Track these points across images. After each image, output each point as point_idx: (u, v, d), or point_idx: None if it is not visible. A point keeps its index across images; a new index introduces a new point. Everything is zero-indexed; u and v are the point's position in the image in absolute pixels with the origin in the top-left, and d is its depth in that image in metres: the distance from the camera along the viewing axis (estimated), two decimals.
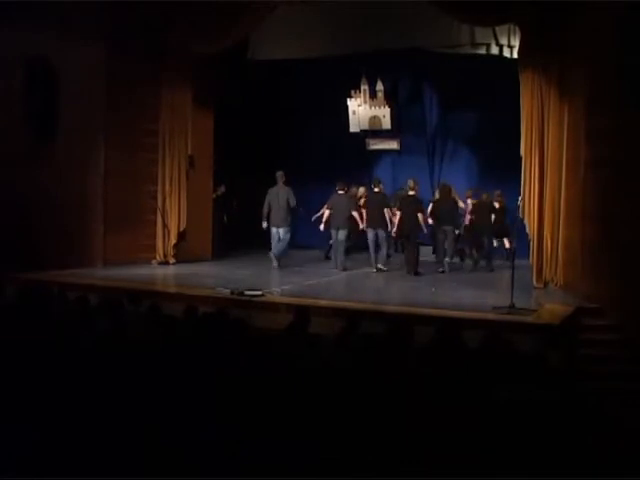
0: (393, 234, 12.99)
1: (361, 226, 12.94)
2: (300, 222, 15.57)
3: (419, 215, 12.30)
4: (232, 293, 9.07)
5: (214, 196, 14.04)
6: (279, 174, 12.79)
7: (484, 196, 13.51)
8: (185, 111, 12.81)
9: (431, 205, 13.13)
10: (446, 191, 13.08)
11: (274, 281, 10.75)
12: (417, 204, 12.40)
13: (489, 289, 10.29)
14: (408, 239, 12.52)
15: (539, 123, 10.33)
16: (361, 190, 14.25)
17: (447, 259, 12.68)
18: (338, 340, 5.26)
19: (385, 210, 12.56)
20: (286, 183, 12.71)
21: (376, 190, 12.80)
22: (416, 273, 12.07)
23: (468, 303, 8.95)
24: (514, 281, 8.52)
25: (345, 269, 12.34)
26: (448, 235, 12.83)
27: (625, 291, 8.11)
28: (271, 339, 5.23)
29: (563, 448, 3.49)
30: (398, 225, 12.59)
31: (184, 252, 12.93)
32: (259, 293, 9.08)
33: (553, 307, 8.63)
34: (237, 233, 15.03)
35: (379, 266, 12.44)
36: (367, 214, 12.83)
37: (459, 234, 13.65)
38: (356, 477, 3.59)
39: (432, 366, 4.41)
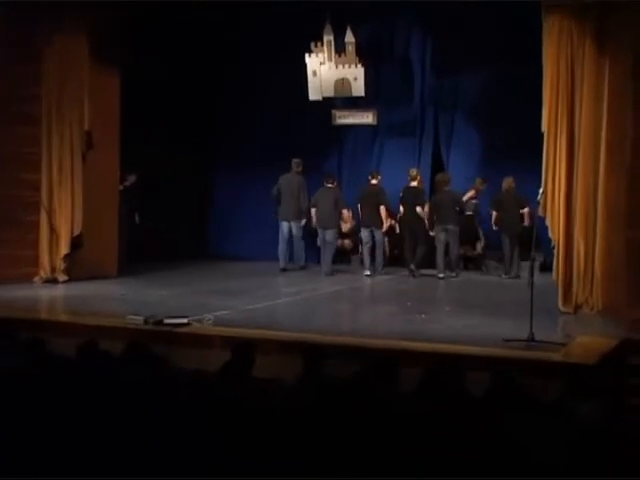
0: (391, 227, 14.71)
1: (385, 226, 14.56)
2: (243, 227, 15.72)
3: (418, 209, 13.96)
4: (147, 322, 9.06)
5: (121, 188, 13.98)
6: (295, 161, 14.55)
7: (507, 182, 13.85)
8: (80, 70, 12.75)
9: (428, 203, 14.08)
10: (445, 181, 14.14)
11: (206, 304, 10.67)
12: (418, 197, 14.04)
13: (499, 314, 10.32)
14: (411, 235, 13.98)
15: (568, 88, 10.42)
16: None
17: (451, 273, 13.79)
18: (293, 387, 5.28)
19: (381, 207, 14.09)
20: (301, 172, 14.51)
21: (373, 182, 14.37)
22: (419, 274, 13.91)
23: (470, 334, 8.98)
24: (533, 303, 8.55)
25: (332, 274, 14.12)
26: (450, 236, 13.76)
27: None
28: (200, 385, 5.19)
29: None
30: (400, 219, 14.27)
31: (79, 266, 12.86)
32: (184, 322, 9.09)
33: (588, 340, 8.68)
34: (154, 239, 14.99)
35: (374, 273, 14.00)
36: (361, 211, 14.47)
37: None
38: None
39: (421, 422, 4.41)
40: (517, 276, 13.72)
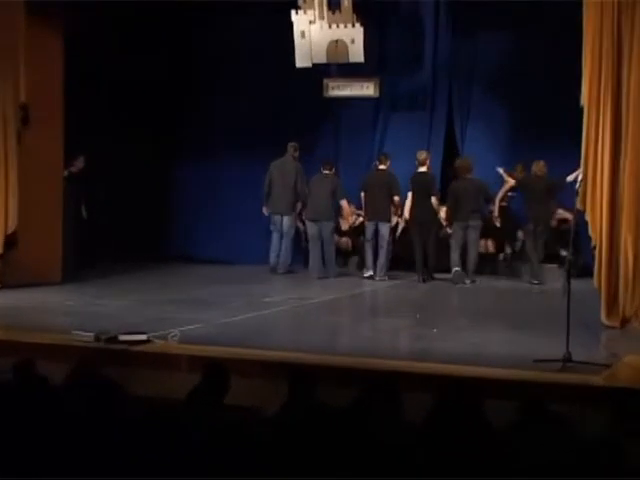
0: (403, 222, 15.02)
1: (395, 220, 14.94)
2: (216, 224, 15.75)
3: (433, 199, 14.27)
4: (97, 339, 9.06)
5: (66, 174, 14.00)
6: (292, 145, 14.83)
7: (536, 166, 14.00)
8: (13, 30, 12.74)
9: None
10: (467, 168, 14.36)
11: (170, 317, 10.68)
12: (429, 185, 14.24)
13: (527, 329, 10.34)
14: (421, 232, 14.18)
15: (614, 54, 10.38)
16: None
17: (467, 281, 14.00)
18: (276, 418, 5.27)
19: (395, 198, 14.47)
20: (298, 159, 14.84)
21: (381, 167, 14.67)
22: (431, 278, 14.14)
23: (493, 353, 9.02)
24: (570, 316, 8.54)
25: (320, 277, 14.52)
26: (472, 234, 14.04)
27: None
28: (163, 415, 5.19)
29: None
30: (410, 212, 14.43)
31: (14, 270, 12.87)
32: (143, 338, 9.10)
33: (637, 360, 8.68)
34: (107, 238, 15.03)
35: (376, 275, 14.32)
36: (365, 201, 14.79)
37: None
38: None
39: (430, 462, 4.41)
40: (541, 281, 13.90)
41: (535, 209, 14.14)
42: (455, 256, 14.21)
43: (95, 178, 14.87)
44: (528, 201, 14.29)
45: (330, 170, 14.94)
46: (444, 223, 14.90)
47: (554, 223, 14.24)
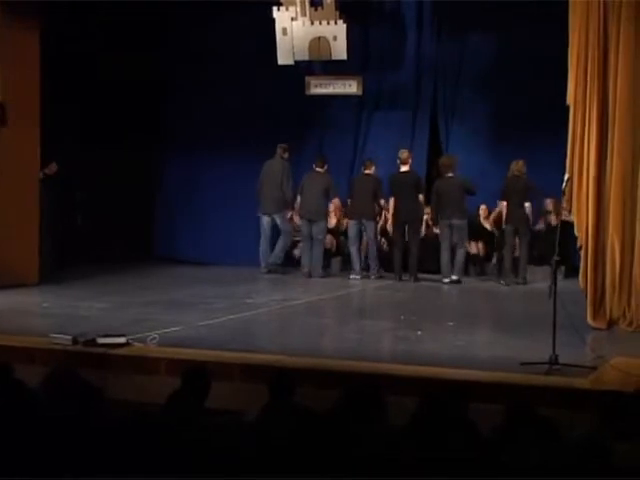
0: (387, 226, 15.08)
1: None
2: (200, 224, 15.74)
3: (420, 197, 14.41)
4: (76, 342, 9.02)
5: (41, 176, 13.95)
6: (281, 146, 14.98)
7: (515, 166, 13.97)
8: None
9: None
10: (449, 165, 14.44)
11: (150, 320, 10.66)
12: (414, 183, 14.34)
13: (514, 331, 10.33)
14: (405, 232, 14.32)
15: (600, 51, 10.40)
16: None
17: (454, 276, 14.14)
18: (256, 419, 5.26)
19: (382, 202, 14.65)
20: (287, 159, 15.01)
21: (366, 172, 14.88)
22: (415, 279, 14.22)
23: (478, 355, 9.03)
24: (556, 318, 8.53)
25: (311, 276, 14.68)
26: (457, 232, 14.12)
27: None
28: (142, 419, 5.14)
29: None
30: (393, 213, 14.49)
31: None
32: (122, 341, 9.07)
33: (624, 363, 8.66)
34: (87, 238, 15.06)
35: (358, 276, 14.57)
36: (351, 202, 14.96)
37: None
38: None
39: (414, 466, 4.37)
40: (524, 282, 13.96)
41: (512, 210, 14.18)
42: (445, 258, 14.28)
43: (74, 180, 14.86)
44: (507, 201, 14.29)
45: (322, 167, 15.04)
46: (430, 222, 14.99)
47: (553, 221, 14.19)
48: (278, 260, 15.07)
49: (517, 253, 14.29)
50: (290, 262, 15.43)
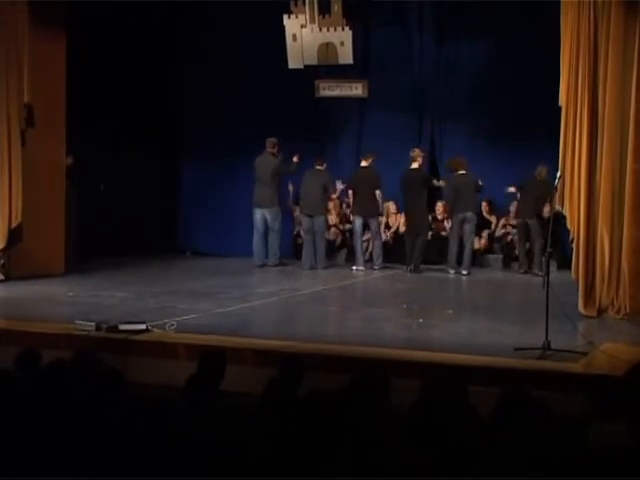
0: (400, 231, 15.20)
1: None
2: (215, 218, 15.77)
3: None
4: (99, 329, 9.05)
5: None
6: (270, 141, 14.79)
7: (541, 171, 14.12)
8: (17, 30, 12.70)
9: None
10: (463, 163, 14.58)
11: (169, 308, 10.70)
12: (422, 180, 14.48)
13: (510, 318, 10.35)
14: (413, 233, 14.39)
15: (590, 55, 10.39)
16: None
17: (464, 271, 14.16)
18: (265, 402, 5.26)
19: (377, 192, 14.65)
20: (276, 154, 14.82)
21: (364, 165, 14.83)
22: (417, 270, 14.20)
23: (476, 341, 9.01)
24: (549, 306, 8.56)
25: (312, 269, 14.70)
26: (466, 224, 14.25)
27: None
28: (162, 402, 5.16)
29: None
30: (406, 218, 14.66)
31: (19, 263, 12.85)
32: (142, 328, 9.10)
33: (613, 348, 8.69)
34: (110, 232, 15.06)
35: (361, 268, 14.57)
36: (353, 197, 15.00)
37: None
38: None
39: (418, 443, 4.38)
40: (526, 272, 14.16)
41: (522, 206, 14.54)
42: (453, 251, 14.39)
43: (92, 174, 14.91)
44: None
45: (322, 165, 15.03)
46: (440, 217, 15.26)
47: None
48: (276, 259, 15.00)
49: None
50: (298, 254, 15.45)
